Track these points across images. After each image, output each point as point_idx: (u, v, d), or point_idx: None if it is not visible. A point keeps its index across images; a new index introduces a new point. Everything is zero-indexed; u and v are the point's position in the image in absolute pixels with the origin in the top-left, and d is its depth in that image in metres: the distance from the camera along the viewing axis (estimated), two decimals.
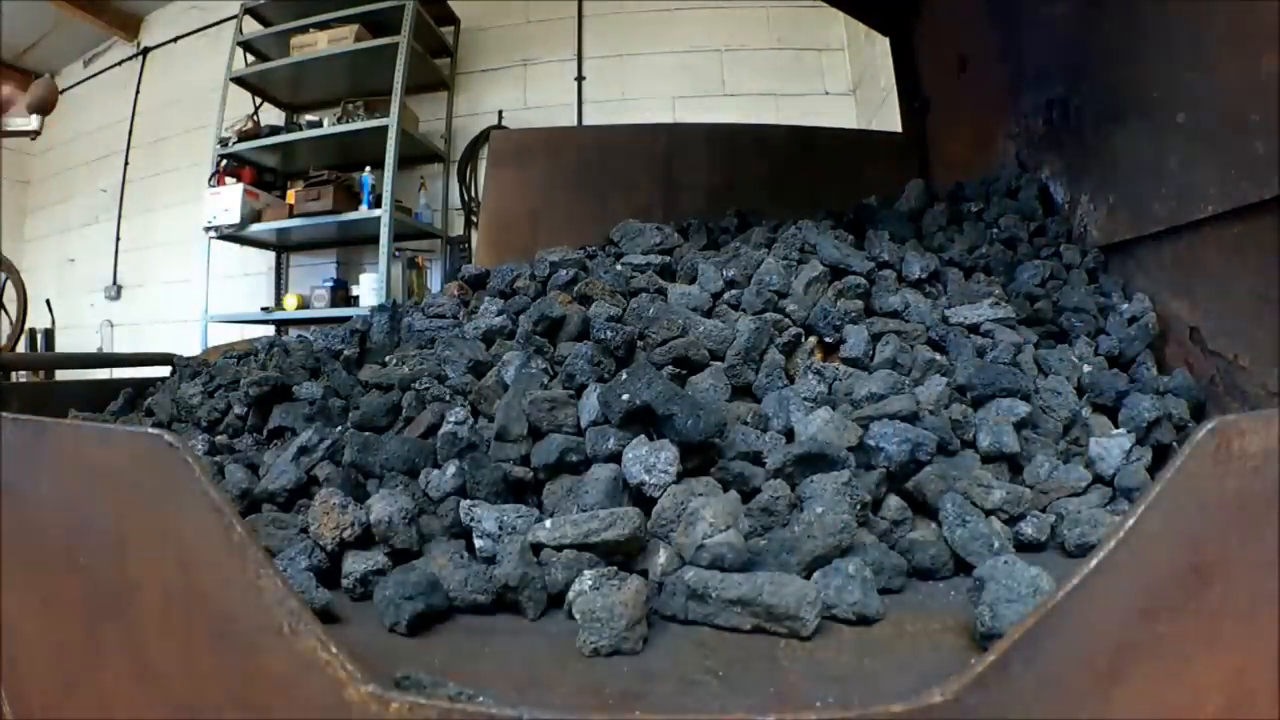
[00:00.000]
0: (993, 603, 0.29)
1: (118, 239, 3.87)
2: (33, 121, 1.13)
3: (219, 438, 0.70)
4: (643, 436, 0.56)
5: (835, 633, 0.31)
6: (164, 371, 0.79)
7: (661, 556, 0.48)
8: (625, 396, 0.55)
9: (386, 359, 0.77)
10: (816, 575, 0.41)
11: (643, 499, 0.53)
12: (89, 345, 3.91)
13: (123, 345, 3.83)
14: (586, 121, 3.30)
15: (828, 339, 0.70)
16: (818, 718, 0.21)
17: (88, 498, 0.25)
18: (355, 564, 0.49)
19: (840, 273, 0.77)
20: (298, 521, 0.54)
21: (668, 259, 0.87)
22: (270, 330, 3.20)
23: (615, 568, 0.46)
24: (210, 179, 3.26)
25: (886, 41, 1.29)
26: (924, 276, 0.74)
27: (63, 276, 4.01)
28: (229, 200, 3.16)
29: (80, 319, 3.95)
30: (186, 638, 0.23)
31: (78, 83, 4.08)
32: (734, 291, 0.76)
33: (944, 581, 0.44)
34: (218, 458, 0.66)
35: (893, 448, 0.54)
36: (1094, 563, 0.20)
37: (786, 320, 0.71)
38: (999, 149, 0.89)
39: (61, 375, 1.97)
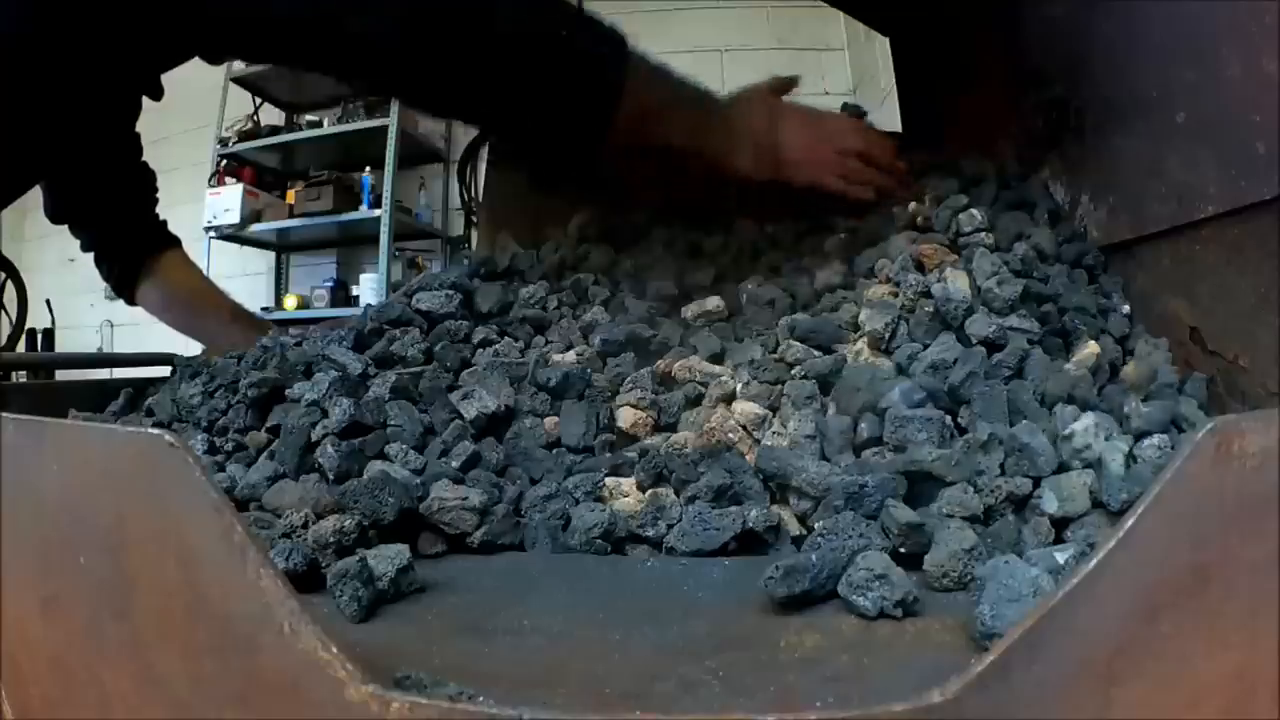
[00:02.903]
0: (993, 603, 0.29)
1: None
2: None
3: (219, 438, 0.69)
4: None
5: (835, 633, 0.31)
6: (164, 371, 0.79)
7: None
8: None
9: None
10: None
11: None
12: (89, 345, 3.90)
13: (123, 345, 3.82)
14: None
15: None
16: (818, 718, 0.21)
17: (88, 497, 0.25)
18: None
19: None
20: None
21: None
22: None
23: None
24: (210, 179, 3.26)
25: (886, 41, 1.29)
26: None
27: (63, 276, 4.01)
28: (229, 200, 3.16)
29: (80, 319, 3.94)
30: (186, 638, 0.23)
31: None
32: None
33: None
34: (218, 457, 0.66)
35: None
36: (1094, 562, 0.20)
37: None
38: (999, 149, 0.89)
39: (61, 375, 1.97)
